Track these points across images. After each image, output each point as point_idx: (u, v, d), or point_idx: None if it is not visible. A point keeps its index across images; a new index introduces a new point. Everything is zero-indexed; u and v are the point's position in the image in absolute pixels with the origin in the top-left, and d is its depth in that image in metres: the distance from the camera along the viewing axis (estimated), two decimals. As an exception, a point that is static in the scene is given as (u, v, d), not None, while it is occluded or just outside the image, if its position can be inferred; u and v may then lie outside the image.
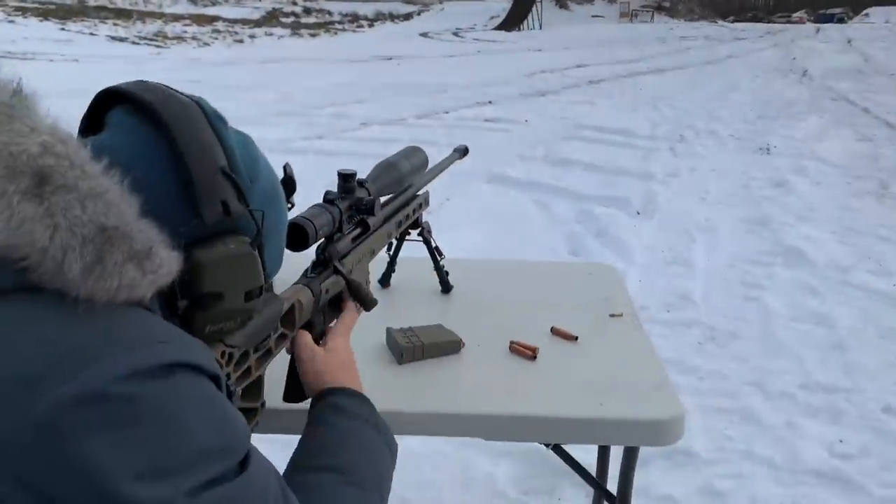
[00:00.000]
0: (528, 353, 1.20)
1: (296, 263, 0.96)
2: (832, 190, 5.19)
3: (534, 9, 39.10)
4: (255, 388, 0.85)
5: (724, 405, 2.42)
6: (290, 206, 0.82)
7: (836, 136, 7.28)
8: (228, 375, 0.77)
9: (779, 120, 8.23)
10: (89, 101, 0.69)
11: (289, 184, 0.81)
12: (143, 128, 0.64)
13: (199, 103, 0.68)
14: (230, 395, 0.75)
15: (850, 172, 5.72)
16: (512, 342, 1.23)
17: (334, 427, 0.80)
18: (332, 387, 0.86)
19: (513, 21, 37.43)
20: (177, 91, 0.68)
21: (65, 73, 11.08)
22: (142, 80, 0.68)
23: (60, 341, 0.52)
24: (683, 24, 39.07)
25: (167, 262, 0.59)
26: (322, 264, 0.99)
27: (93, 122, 0.69)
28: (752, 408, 2.41)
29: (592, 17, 44.40)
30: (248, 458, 0.59)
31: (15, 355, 0.50)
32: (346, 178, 1.03)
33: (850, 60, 15.99)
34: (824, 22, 46.56)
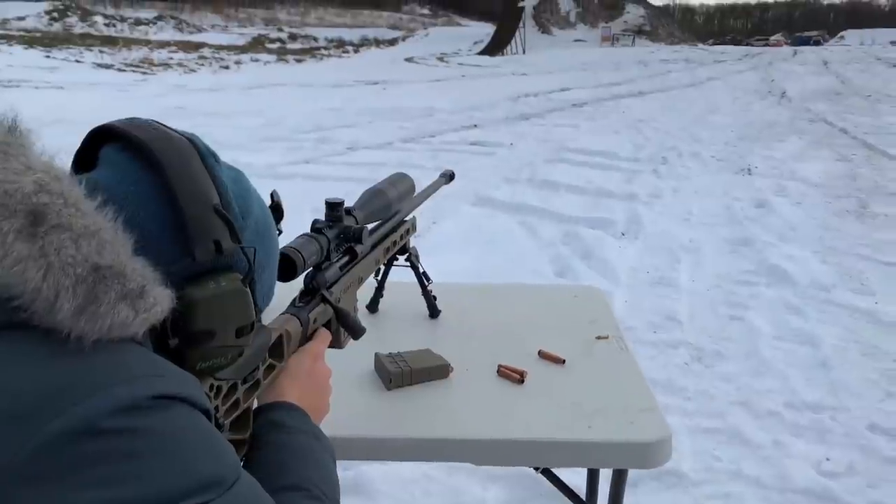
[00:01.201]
0: (515, 376, 1.21)
1: (283, 293, 0.96)
2: (813, 210, 5.28)
3: (517, 34, 39.71)
4: (244, 420, 0.85)
5: (711, 425, 2.43)
6: (278, 232, 0.82)
7: (816, 156, 7.42)
8: (217, 408, 0.77)
9: (759, 141, 8.37)
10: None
11: (276, 210, 0.82)
12: (136, 165, 0.65)
13: (192, 140, 0.68)
14: (219, 427, 0.76)
15: (830, 192, 5.82)
16: (500, 366, 1.24)
17: (281, 445, 0.80)
18: (267, 402, 0.86)
19: (497, 46, 37.98)
20: (169, 128, 0.69)
21: (50, 100, 11.07)
22: (134, 118, 0.69)
23: (54, 376, 0.52)
24: (664, 48, 39.80)
25: (160, 301, 0.59)
26: (310, 293, 0.99)
27: (85, 159, 0.69)
28: (739, 427, 2.42)
29: (574, 41, 45.11)
30: (237, 481, 0.59)
31: (8, 390, 0.51)
32: (333, 207, 1.04)
33: (827, 82, 16.34)
34: (801, 44, 47.68)
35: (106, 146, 0.68)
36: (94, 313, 0.54)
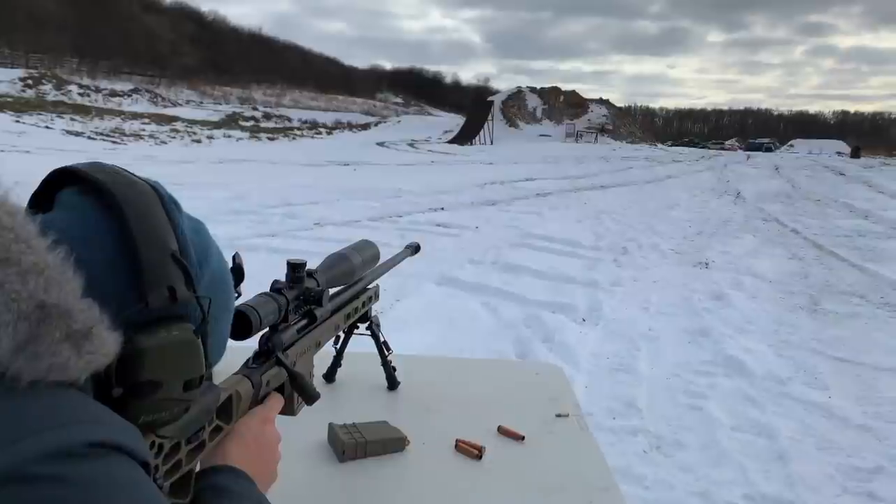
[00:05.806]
0: (473, 451, 1.18)
1: (236, 354, 0.93)
2: (767, 304, 5.41)
3: (485, 125, 41.19)
4: (185, 484, 0.81)
5: (670, 516, 2.39)
6: (237, 295, 0.81)
7: (769, 254, 7.69)
8: (157, 468, 0.73)
9: (716, 237, 8.67)
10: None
11: (237, 272, 0.80)
12: (94, 208, 0.64)
13: (155, 187, 0.68)
14: (158, 488, 0.71)
15: (784, 288, 6.00)
16: (458, 440, 1.21)
17: None
18: (211, 466, 0.81)
19: (465, 136, 39.25)
20: (133, 174, 0.68)
21: (14, 164, 10.95)
22: (97, 162, 0.68)
23: None
24: (625, 146, 41.59)
25: (107, 344, 0.57)
26: (264, 355, 0.97)
27: (42, 200, 0.68)
28: (698, 519, 2.37)
29: (540, 135, 46.84)
30: None
31: None
32: (295, 268, 1.03)
33: (779, 185, 17.17)
34: (754, 150, 50.34)
35: (64, 189, 0.67)
36: (33, 352, 0.52)
